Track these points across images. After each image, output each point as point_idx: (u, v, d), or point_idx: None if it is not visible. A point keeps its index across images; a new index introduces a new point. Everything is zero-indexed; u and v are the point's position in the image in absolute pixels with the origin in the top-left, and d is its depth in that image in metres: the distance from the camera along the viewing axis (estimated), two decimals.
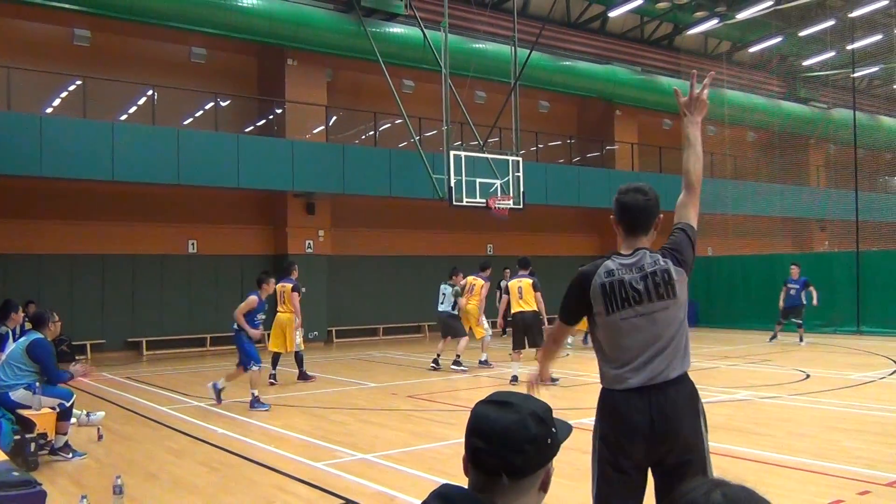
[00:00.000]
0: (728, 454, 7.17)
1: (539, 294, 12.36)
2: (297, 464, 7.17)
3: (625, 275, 3.20)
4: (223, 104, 20.11)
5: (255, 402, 10.24)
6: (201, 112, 19.96)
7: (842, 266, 20.52)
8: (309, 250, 20.44)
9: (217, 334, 19.43)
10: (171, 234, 19.19)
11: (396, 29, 20.46)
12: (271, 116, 21.10)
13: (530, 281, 12.41)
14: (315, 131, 20.71)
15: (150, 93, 18.53)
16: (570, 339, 14.62)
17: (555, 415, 1.70)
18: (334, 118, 21.60)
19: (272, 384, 12.46)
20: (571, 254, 26.06)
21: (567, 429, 1.77)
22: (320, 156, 19.12)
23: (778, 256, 23.66)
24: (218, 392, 10.61)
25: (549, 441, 1.61)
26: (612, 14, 24.59)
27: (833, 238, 29.11)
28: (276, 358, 12.80)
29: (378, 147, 20.95)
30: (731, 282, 23.32)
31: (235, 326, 10.65)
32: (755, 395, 10.70)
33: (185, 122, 19.81)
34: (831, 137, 31.04)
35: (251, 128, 21.02)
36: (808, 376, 12.47)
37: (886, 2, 25.83)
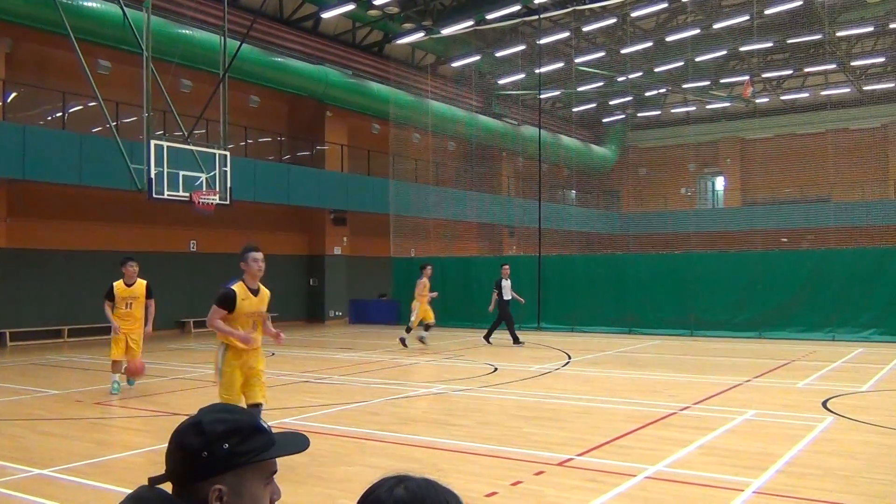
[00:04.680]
0: (424, 445, 7.57)
1: None
2: None
3: None
4: None
5: None
6: None
7: (527, 268, 22.64)
8: None
9: None
10: None
11: (91, 3, 18.75)
12: None
13: None
14: None
15: None
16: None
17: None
18: (14, 94, 19.23)
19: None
20: (280, 252, 25.81)
21: (284, 446, 1.64)
22: None
23: (473, 259, 25.50)
24: None
25: (204, 454, 1.54)
26: (325, 15, 24.80)
27: (520, 243, 32.06)
28: None
29: (67, 130, 19.04)
30: (431, 282, 24.59)
31: None
32: (449, 388, 11.41)
33: None
34: (520, 151, 34.13)
35: None
36: (496, 369, 13.57)
37: (568, 34, 29.08)
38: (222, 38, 17.67)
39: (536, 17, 26.22)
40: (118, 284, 11.09)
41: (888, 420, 8.68)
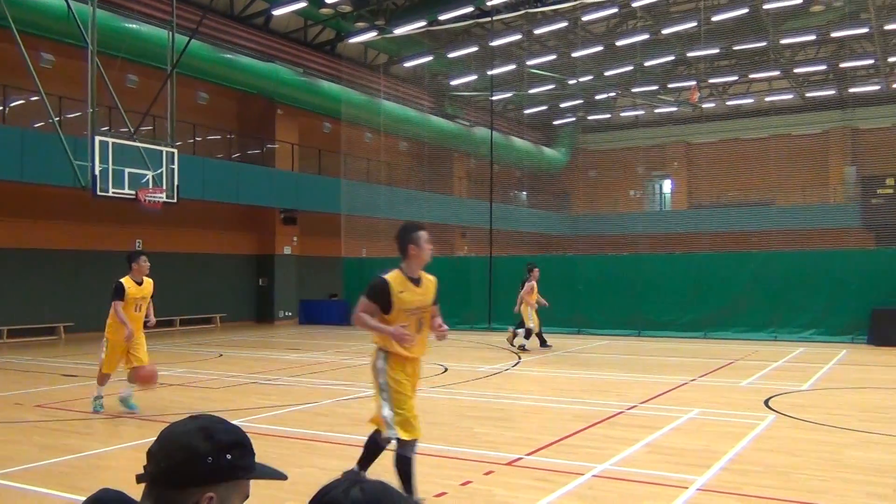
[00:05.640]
0: None
1: None
2: None
3: None
4: None
5: None
6: None
7: (478, 269, 22.73)
8: None
9: None
10: None
11: None
12: None
13: None
14: None
15: None
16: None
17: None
18: None
19: None
20: (230, 251, 25.47)
21: (268, 471, 1.75)
22: None
23: None
24: None
25: (209, 459, 1.55)
26: (277, 12, 24.55)
27: (472, 243, 32.17)
28: None
29: (8, 125, 18.50)
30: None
31: None
32: None
33: None
34: (472, 152, 34.25)
35: None
36: (446, 370, 13.59)
37: (520, 36, 29.27)
38: (170, 33, 17.35)
39: (489, 19, 26.34)
40: (128, 282, 9.45)
41: (827, 418, 8.94)
